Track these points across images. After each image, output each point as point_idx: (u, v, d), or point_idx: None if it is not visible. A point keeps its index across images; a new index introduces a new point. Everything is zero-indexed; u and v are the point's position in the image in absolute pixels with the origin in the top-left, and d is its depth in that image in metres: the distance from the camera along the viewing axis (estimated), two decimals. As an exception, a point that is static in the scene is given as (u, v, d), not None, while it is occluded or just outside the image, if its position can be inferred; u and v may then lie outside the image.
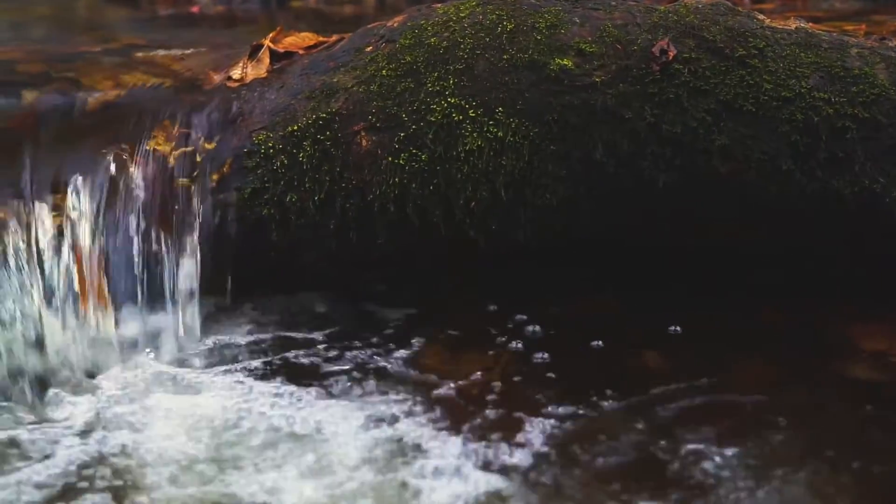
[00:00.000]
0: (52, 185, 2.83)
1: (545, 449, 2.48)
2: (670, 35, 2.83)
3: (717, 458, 2.44)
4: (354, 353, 2.80)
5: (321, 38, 3.06)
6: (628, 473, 2.41)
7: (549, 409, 2.59)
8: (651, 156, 2.81)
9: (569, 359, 2.75)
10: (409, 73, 2.86)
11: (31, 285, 2.75)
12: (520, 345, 2.81)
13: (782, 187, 2.82)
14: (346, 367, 2.75)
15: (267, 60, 3.01)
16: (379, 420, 2.57)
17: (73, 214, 2.80)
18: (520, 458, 2.45)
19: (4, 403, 2.64)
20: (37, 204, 2.81)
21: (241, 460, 2.46)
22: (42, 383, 2.69)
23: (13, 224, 2.78)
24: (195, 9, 3.62)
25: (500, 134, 2.81)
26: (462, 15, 2.90)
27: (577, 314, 2.91)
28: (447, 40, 2.87)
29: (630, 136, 2.80)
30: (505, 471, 2.42)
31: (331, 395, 2.65)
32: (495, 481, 2.39)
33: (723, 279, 2.92)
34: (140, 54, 3.19)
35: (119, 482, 2.40)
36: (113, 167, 2.84)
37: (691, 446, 2.47)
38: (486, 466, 2.43)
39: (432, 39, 2.88)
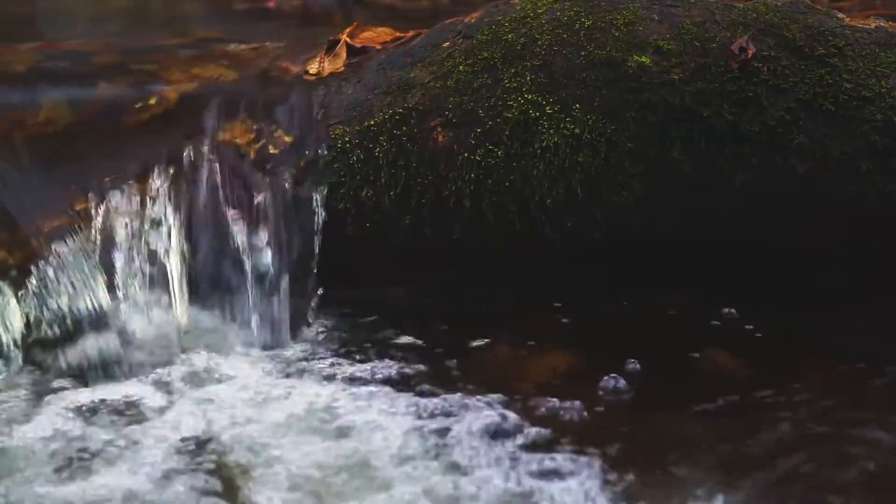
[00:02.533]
0: (132, 176, 2.86)
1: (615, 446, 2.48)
2: (749, 33, 2.81)
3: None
4: (423, 348, 2.80)
5: (398, 34, 3.06)
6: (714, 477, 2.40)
7: (621, 408, 2.60)
8: (729, 154, 2.80)
9: (638, 356, 2.73)
10: (486, 69, 2.86)
11: (111, 275, 2.78)
12: (591, 341, 2.80)
13: (860, 188, 2.80)
14: (416, 362, 2.75)
15: (344, 55, 3.01)
16: (439, 414, 2.57)
17: (152, 206, 2.82)
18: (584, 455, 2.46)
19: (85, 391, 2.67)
20: (116, 194, 2.84)
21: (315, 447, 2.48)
22: (117, 369, 2.72)
23: (94, 215, 2.81)
24: (271, 3, 3.63)
25: (576, 131, 2.81)
26: (540, 11, 2.90)
27: (648, 312, 2.90)
28: (524, 36, 2.87)
29: (708, 134, 2.79)
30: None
31: (396, 387, 2.66)
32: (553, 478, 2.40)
33: (798, 278, 2.90)
34: (216, 48, 3.19)
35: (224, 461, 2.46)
36: (191, 159, 2.86)
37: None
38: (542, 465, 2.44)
39: (509, 35, 2.88)
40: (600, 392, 2.64)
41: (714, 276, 2.92)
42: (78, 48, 3.25)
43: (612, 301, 2.91)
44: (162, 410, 2.61)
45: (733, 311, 2.88)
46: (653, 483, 2.39)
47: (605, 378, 2.66)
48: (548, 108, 2.82)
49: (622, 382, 2.65)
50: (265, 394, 2.65)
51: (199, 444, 2.50)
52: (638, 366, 2.70)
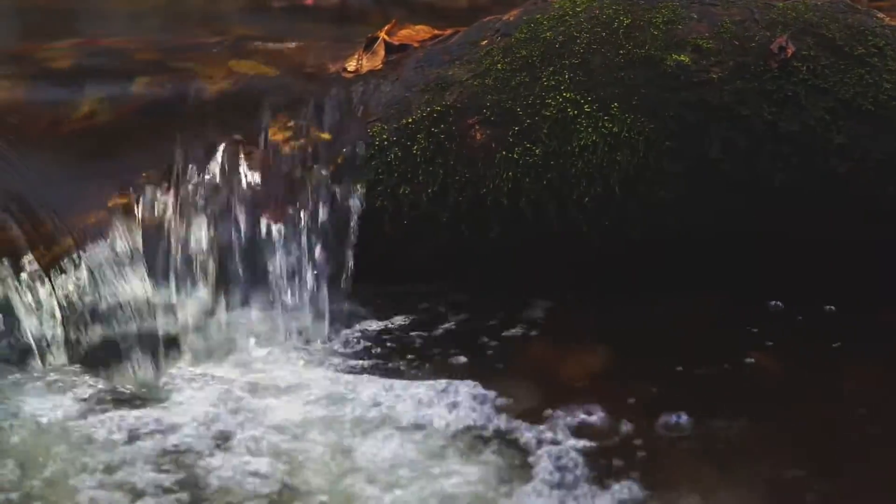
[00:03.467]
0: (170, 172, 2.87)
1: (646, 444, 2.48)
2: (789, 32, 2.80)
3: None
4: (459, 345, 2.80)
5: (436, 32, 3.06)
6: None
7: (654, 408, 2.59)
8: (768, 154, 2.79)
9: (673, 357, 2.74)
10: (525, 68, 2.86)
11: (149, 270, 2.79)
12: (625, 340, 2.80)
13: (900, 188, 2.80)
14: (452, 358, 2.76)
15: (382, 53, 3.02)
16: (477, 406, 2.58)
17: (190, 202, 2.83)
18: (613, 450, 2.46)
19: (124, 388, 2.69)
20: (154, 190, 2.85)
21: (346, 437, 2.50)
22: (155, 365, 2.74)
23: (132, 210, 2.82)
24: (309, 1, 3.64)
25: (615, 130, 2.80)
26: (578, 9, 2.89)
27: (685, 311, 2.89)
28: (563, 35, 2.87)
29: (747, 133, 2.78)
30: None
31: (431, 382, 2.66)
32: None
33: (839, 278, 2.89)
34: (254, 45, 3.20)
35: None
36: (228, 156, 2.87)
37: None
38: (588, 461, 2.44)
39: (548, 34, 2.88)
40: (635, 392, 2.63)
41: (751, 276, 2.91)
42: (117, 45, 3.26)
43: (648, 301, 2.90)
44: (200, 405, 2.62)
45: (777, 305, 2.87)
46: (701, 489, 2.39)
47: (643, 384, 2.66)
48: (586, 106, 2.81)
49: (661, 388, 2.65)
50: (305, 386, 2.66)
51: (239, 438, 2.51)
52: (676, 367, 2.69)
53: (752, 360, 2.74)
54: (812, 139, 2.78)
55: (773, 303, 2.89)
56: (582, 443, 2.48)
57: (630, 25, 2.84)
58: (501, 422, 2.54)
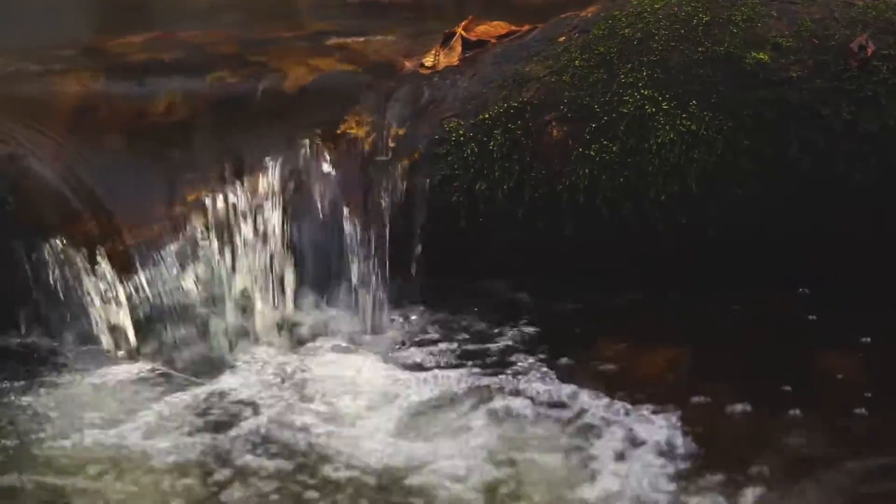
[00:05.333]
0: (246, 167, 2.89)
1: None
2: (869, 31, 2.78)
3: None
4: (528, 340, 2.80)
5: (513, 28, 3.07)
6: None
7: (730, 407, 2.57)
8: (846, 154, 2.77)
9: (748, 356, 2.73)
10: (602, 64, 2.85)
11: (224, 264, 2.82)
12: (699, 340, 2.78)
13: (982, 189, 2.78)
14: (523, 353, 2.75)
15: (459, 48, 3.02)
16: (551, 399, 2.59)
17: (264, 196, 2.85)
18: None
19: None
20: (231, 185, 2.87)
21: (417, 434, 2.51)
22: (225, 358, 2.76)
23: (208, 205, 2.84)
24: (385, -4, 3.65)
25: (693, 127, 2.79)
26: (657, 6, 2.88)
27: (759, 310, 2.87)
28: (641, 31, 2.86)
29: (826, 133, 2.76)
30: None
31: (501, 377, 2.67)
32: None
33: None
34: (331, 40, 3.21)
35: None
36: (305, 150, 2.89)
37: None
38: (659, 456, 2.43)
39: (626, 30, 2.87)
40: (710, 391, 2.62)
41: (828, 275, 2.89)
42: (194, 39, 3.29)
43: (723, 299, 2.88)
44: (271, 396, 2.63)
45: (851, 304, 2.85)
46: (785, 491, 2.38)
47: (718, 382, 2.64)
48: (664, 103, 2.80)
49: (737, 387, 2.63)
50: (367, 381, 2.68)
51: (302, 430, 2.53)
52: (751, 366, 2.68)
53: (830, 360, 2.72)
54: (891, 139, 2.75)
55: (848, 302, 2.86)
56: (654, 441, 2.47)
57: (709, 23, 2.83)
58: (575, 417, 2.54)
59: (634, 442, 2.47)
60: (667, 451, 2.44)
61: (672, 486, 2.36)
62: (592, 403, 2.58)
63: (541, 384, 2.64)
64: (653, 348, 2.78)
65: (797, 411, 2.55)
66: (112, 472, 2.43)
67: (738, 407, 2.56)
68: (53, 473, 2.42)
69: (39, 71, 3.15)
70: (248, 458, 2.46)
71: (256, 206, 2.85)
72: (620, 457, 2.43)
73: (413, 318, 2.86)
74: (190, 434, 2.53)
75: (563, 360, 2.73)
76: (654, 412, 2.54)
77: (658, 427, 2.50)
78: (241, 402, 2.63)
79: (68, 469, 2.44)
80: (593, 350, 2.78)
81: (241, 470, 2.43)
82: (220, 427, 2.55)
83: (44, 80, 3.11)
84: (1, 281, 2.76)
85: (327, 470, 2.42)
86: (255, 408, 2.60)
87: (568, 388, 2.62)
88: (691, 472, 2.40)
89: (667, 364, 2.73)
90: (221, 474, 2.42)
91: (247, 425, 2.55)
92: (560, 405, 2.57)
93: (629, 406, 2.56)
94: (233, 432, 2.52)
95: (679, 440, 2.47)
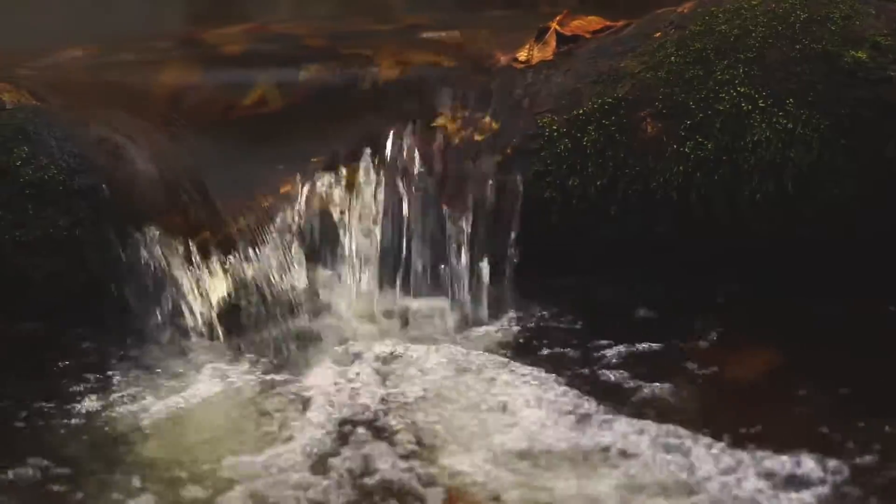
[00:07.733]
0: (339, 160, 2.91)
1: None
2: (970, 29, 2.75)
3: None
4: (619, 337, 2.79)
5: (608, 23, 3.06)
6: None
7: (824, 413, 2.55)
8: (945, 154, 2.75)
9: (842, 363, 2.69)
10: (698, 61, 2.84)
11: (314, 256, 2.83)
12: (791, 342, 2.76)
13: None
14: (611, 354, 2.75)
15: (553, 43, 3.02)
16: (636, 404, 2.58)
17: (358, 189, 2.87)
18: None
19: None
20: (323, 177, 2.89)
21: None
22: (315, 349, 2.77)
23: (300, 196, 2.87)
24: (478, -10, 3.66)
25: (789, 126, 2.77)
26: (754, 3, 2.86)
27: (852, 314, 2.84)
28: (738, 28, 2.84)
29: (924, 133, 2.74)
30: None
31: (596, 380, 2.66)
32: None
33: None
34: (425, 34, 3.22)
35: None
36: (399, 143, 2.90)
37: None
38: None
39: (723, 27, 2.85)
40: (803, 397, 2.60)
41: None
42: (288, 31, 3.30)
43: (816, 302, 2.85)
44: (364, 387, 2.65)
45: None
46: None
47: (812, 388, 2.62)
48: (760, 101, 2.78)
49: (829, 394, 2.61)
50: (468, 372, 2.68)
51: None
52: (845, 371, 2.66)
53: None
54: None
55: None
56: (748, 445, 2.44)
57: (807, 20, 2.81)
58: (663, 421, 2.51)
59: (723, 444, 2.43)
60: (757, 458, 2.40)
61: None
62: (682, 406, 2.57)
63: (628, 385, 2.64)
64: (744, 351, 2.75)
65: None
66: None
67: (833, 412, 2.54)
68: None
69: (136, 61, 3.18)
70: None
71: (349, 198, 2.87)
72: (710, 466, 2.40)
73: (500, 311, 2.86)
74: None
75: (652, 361, 2.71)
76: (747, 416, 2.50)
77: (749, 432, 2.46)
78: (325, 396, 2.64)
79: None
80: (682, 351, 2.75)
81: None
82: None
83: (140, 69, 3.14)
84: (95, 269, 2.78)
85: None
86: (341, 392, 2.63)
87: (655, 388, 2.61)
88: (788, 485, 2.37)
89: (760, 368, 2.70)
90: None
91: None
92: (645, 409, 2.56)
93: (720, 409, 2.54)
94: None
95: (769, 447, 2.42)
